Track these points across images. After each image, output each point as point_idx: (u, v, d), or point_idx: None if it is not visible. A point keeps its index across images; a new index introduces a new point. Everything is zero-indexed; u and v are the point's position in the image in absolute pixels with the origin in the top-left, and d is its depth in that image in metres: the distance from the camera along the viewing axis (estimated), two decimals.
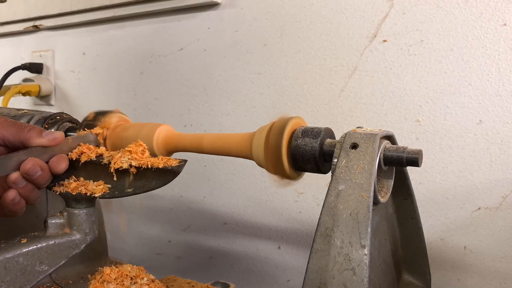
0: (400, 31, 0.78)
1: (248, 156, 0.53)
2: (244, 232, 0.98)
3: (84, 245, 0.56)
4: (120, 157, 0.55)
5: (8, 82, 1.21)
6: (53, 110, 1.16)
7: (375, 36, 0.80)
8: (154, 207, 1.10)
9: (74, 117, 0.72)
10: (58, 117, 0.70)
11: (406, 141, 0.78)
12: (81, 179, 0.57)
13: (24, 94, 1.23)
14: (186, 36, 1.02)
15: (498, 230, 0.72)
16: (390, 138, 0.51)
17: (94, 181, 0.56)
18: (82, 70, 1.22)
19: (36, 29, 1.29)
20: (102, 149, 0.58)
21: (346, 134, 0.49)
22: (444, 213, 0.76)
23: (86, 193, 0.55)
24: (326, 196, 0.46)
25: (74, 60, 1.23)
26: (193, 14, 1.01)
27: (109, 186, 0.56)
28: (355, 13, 0.82)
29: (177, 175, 0.53)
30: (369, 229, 0.42)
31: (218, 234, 1.01)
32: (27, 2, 1.27)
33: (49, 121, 0.69)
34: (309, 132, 0.50)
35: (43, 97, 1.28)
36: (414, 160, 0.47)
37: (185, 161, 0.54)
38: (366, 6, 0.81)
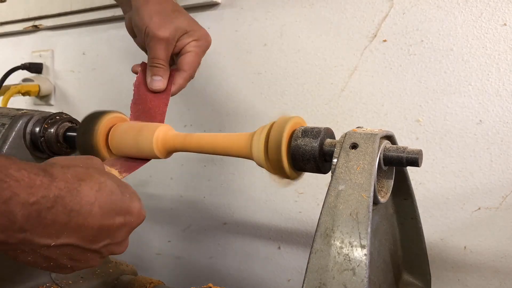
0: (400, 31, 0.78)
1: (248, 156, 0.53)
2: (244, 232, 0.98)
3: None
4: None
5: (7, 82, 1.21)
6: (52, 110, 1.16)
7: (375, 36, 0.80)
8: (154, 207, 1.10)
9: (74, 117, 0.72)
10: (57, 117, 0.70)
11: (406, 141, 0.78)
12: None
13: (23, 94, 1.23)
14: None
15: (498, 230, 0.72)
16: (390, 138, 0.51)
17: None
18: (82, 70, 1.21)
19: (36, 29, 1.28)
20: None
21: (346, 134, 0.49)
22: (444, 213, 0.76)
23: None
24: (326, 196, 0.46)
25: (74, 60, 1.23)
26: (193, 14, 1.01)
27: None
28: (355, 13, 0.82)
29: None
30: (369, 229, 0.42)
31: (218, 234, 1.01)
32: (27, 2, 1.27)
33: (48, 121, 0.69)
34: (309, 132, 0.50)
35: (43, 97, 1.28)
36: (414, 160, 0.47)
37: None
38: (366, 6, 0.81)
